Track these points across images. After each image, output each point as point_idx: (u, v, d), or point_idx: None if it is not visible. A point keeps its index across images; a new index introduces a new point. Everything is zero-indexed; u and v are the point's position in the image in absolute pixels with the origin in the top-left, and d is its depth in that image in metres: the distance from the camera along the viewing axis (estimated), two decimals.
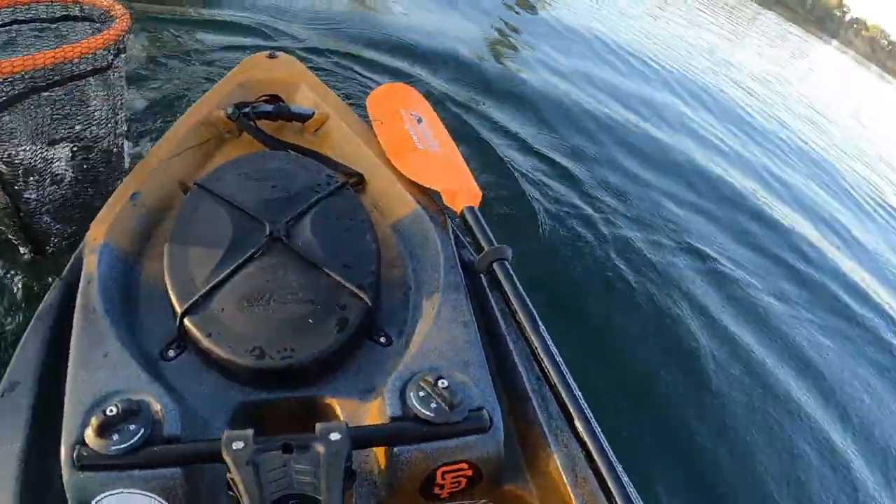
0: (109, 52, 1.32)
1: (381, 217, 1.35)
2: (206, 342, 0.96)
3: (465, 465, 0.88)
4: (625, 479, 0.87)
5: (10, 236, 1.51)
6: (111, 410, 0.78)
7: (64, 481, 0.78)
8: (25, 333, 1.02)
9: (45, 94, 1.26)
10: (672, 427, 1.98)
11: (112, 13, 1.42)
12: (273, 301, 1.02)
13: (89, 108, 1.40)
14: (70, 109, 1.36)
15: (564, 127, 3.91)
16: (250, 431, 0.75)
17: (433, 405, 0.86)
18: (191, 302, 0.99)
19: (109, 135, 1.51)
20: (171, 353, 0.99)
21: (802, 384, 2.51)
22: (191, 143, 1.43)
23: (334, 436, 0.75)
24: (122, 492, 0.77)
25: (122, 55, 1.40)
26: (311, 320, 1.00)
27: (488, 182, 2.78)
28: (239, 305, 1.00)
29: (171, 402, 0.84)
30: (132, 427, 0.78)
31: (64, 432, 0.81)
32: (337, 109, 1.60)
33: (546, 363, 1.01)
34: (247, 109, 1.49)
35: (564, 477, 0.93)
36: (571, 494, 0.91)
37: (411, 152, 1.45)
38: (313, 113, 1.57)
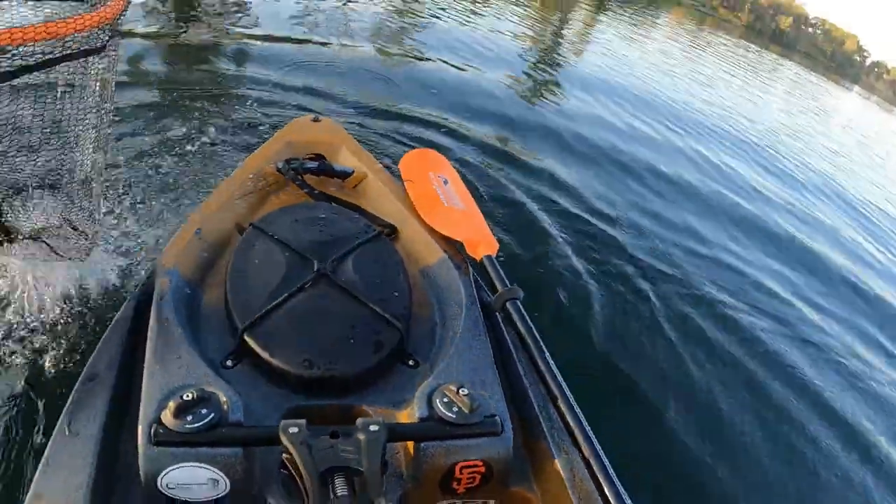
0: (104, 32, 1.20)
1: (412, 263, 1.51)
2: (263, 353, 1.11)
3: (479, 463, 1.01)
4: (619, 484, 1.01)
5: None
6: (187, 396, 0.91)
7: (139, 455, 0.89)
8: (104, 336, 1.18)
9: (30, 75, 1.11)
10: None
11: None
12: (320, 324, 1.18)
13: (74, 98, 1.27)
14: (53, 97, 1.23)
15: (597, 178, 4.14)
16: (303, 420, 0.88)
17: (455, 409, 1.01)
18: (250, 321, 1.15)
19: (92, 135, 1.39)
20: (230, 363, 1.13)
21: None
22: (245, 191, 1.62)
23: (373, 427, 0.89)
24: (190, 465, 0.88)
25: (118, 40, 1.29)
26: (352, 341, 1.16)
27: (523, 233, 3.00)
28: (291, 325, 1.16)
29: (235, 395, 0.98)
30: (203, 411, 0.91)
31: (142, 414, 0.94)
32: (373, 169, 1.81)
33: (552, 385, 1.17)
34: (295, 165, 1.69)
35: (566, 481, 1.06)
36: (571, 497, 1.04)
37: (438, 208, 1.66)
38: (353, 171, 1.77)
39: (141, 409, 0.95)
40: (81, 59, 1.21)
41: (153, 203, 2.34)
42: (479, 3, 10.51)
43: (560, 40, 11.16)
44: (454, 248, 1.56)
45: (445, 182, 1.84)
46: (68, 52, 1.14)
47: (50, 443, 0.96)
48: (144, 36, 4.17)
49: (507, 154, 3.99)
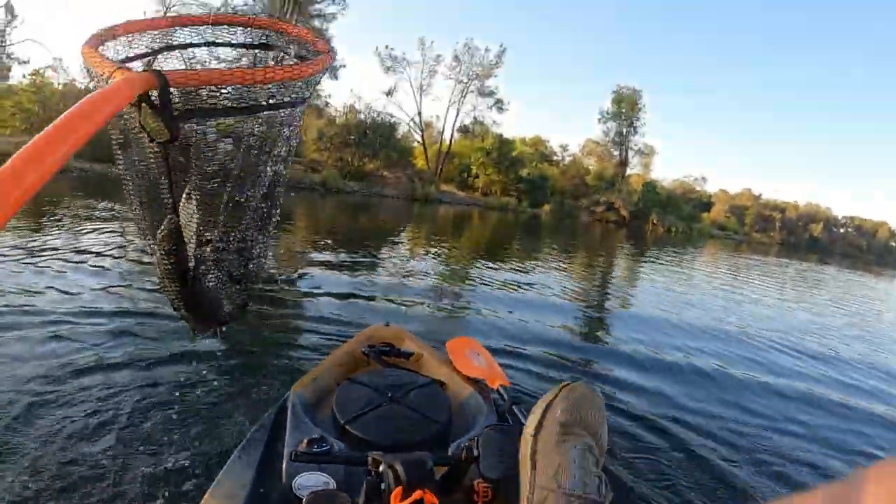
0: (310, 85, 1.13)
1: (454, 400, 2.13)
2: (356, 433, 1.71)
3: (488, 483, 1.43)
4: None
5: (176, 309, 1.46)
6: (316, 435, 1.43)
7: (283, 467, 1.36)
8: (254, 427, 1.79)
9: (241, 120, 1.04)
10: None
11: (315, 46, 1.28)
12: (393, 420, 1.79)
13: (273, 147, 1.19)
14: (258, 143, 1.12)
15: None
16: (381, 452, 1.25)
17: (472, 449, 1.47)
18: (349, 417, 1.78)
19: (278, 183, 1.35)
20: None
21: None
22: (341, 363, 2.37)
23: (423, 453, 1.35)
24: (313, 473, 1.34)
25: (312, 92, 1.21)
26: (412, 428, 1.76)
27: None
28: (374, 421, 1.77)
29: (340, 443, 1.48)
30: (324, 444, 1.40)
31: (286, 448, 1.45)
32: (428, 351, 2.54)
33: None
34: (374, 349, 2.44)
35: None
36: None
37: (470, 363, 2.37)
38: (413, 352, 2.51)
39: (285, 447, 1.57)
40: (288, 110, 1.13)
41: None
42: (529, 264, 11.84)
43: (609, 276, 12.17)
44: (480, 386, 2.22)
45: (478, 355, 2.56)
46: (276, 102, 1.05)
47: (227, 464, 1.53)
48: None
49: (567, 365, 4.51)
